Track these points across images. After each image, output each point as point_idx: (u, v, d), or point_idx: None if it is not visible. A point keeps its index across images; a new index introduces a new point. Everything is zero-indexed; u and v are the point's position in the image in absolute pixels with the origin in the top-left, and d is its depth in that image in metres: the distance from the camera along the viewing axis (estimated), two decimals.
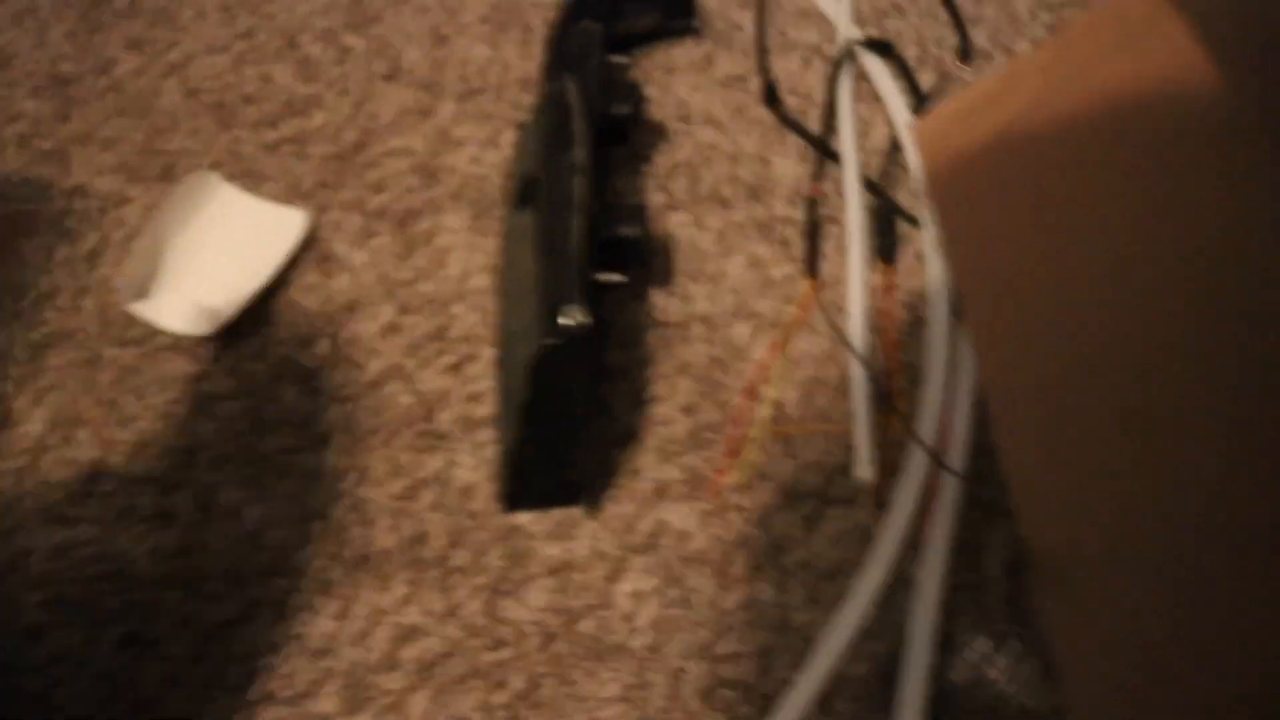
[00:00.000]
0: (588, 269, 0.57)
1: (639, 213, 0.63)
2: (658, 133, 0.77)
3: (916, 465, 0.60)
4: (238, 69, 0.83)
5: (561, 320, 0.54)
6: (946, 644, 0.57)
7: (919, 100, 0.77)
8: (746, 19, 0.84)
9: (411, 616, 0.60)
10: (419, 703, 0.57)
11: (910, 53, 0.82)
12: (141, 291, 0.70)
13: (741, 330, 0.68)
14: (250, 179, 0.77)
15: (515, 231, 0.69)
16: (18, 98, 0.84)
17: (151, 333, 0.70)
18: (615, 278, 0.60)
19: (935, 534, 0.58)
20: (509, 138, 0.76)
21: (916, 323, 0.67)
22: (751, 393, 0.65)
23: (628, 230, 0.62)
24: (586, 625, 0.59)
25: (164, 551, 0.62)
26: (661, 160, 0.75)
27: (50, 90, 0.84)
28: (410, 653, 0.59)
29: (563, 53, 0.69)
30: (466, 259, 0.71)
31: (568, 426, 0.58)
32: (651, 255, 0.69)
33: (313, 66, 0.82)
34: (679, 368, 0.67)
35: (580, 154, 0.60)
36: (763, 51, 0.80)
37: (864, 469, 0.61)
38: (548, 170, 0.61)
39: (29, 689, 0.58)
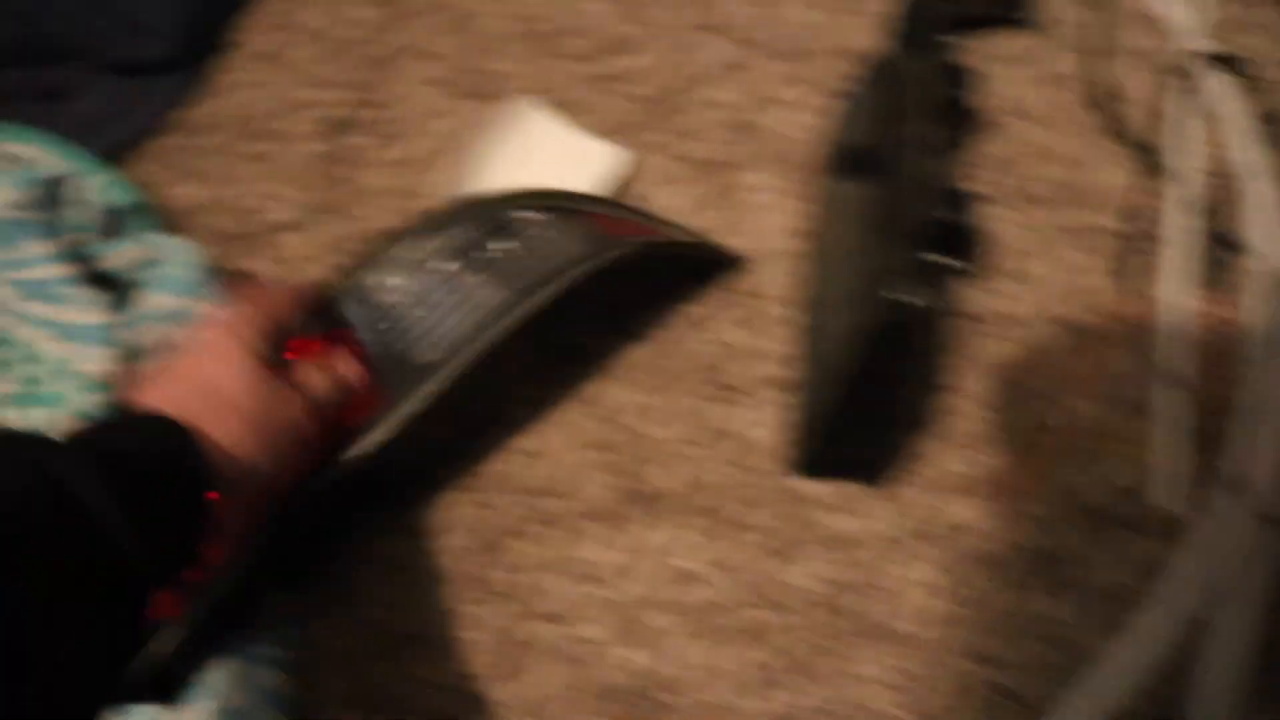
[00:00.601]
0: (925, 249, 0.57)
1: (970, 200, 0.62)
2: (974, 121, 0.75)
3: (1224, 505, 0.58)
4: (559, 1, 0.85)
5: (900, 296, 0.53)
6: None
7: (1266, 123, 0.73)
8: (1079, 17, 0.81)
9: (685, 560, 0.61)
10: (680, 645, 0.59)
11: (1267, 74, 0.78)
12: None
13: (1044, 333, 0.67)
14: (566, 109, 0.79)
15: (836, 201, 0.69)
16: (357, 5, 0.88)
17: None
18: (952, 263, 0.59)
19: (1247, 583, 0.55)
20: (828, 105, 0.76)
21: (1233, 353, 0.64)
22: (1050, 398, 0.64)
23: (961, 217, 0.61)
24: (859, 603, 0.59)
25: None
26: (976, 149, 0.74)
27: (386, 2, 0.88)
28: (678, 595, 0.60)
29: (904, 30, 0.68)
30: (773, 218, 0.71)
31: (881, 402, 0.58)
32: (974, 245, 0.68)
33: (634, 7, 0.83)
34: (979, 362, 0.66)
35: (927, 133, 0.60)
36: (1094, 53, 0.78)
37: (1164, 497, 0.59)
38: (888, 145, 0.61)
39: None
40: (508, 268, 0.60)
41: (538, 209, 0.63)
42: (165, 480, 0.44)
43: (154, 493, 0.43)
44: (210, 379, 0.50)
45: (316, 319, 0.60)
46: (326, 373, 0.56)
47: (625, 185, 0.74)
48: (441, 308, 0.60)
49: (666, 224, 0.68)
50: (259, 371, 0.52)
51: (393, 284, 0.61)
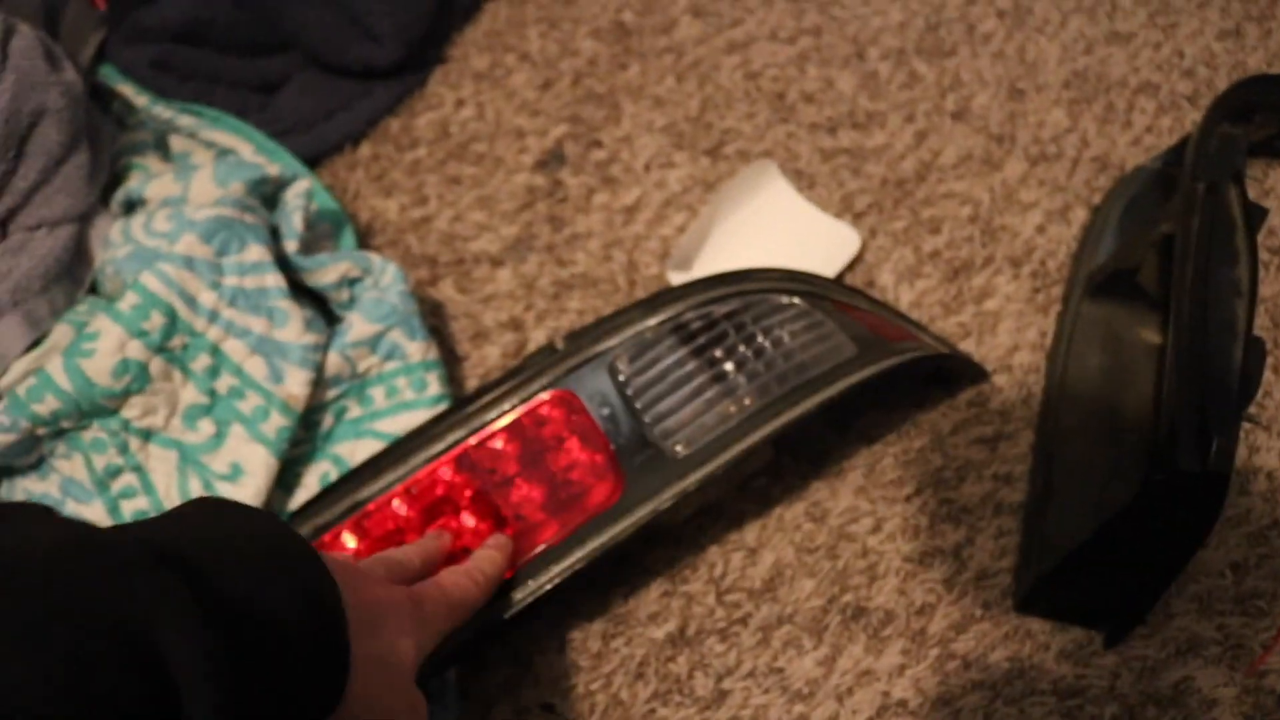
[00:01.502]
0: (1229, 401, 0.51)
1: (1263, 349, 0.56)
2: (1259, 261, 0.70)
3: None
4: (801, 65, 0.81)
5: (1213, 453, 0.48)
6: None
7: None
8: None
9: (901, 690, 0.56)
10: None
11: None
12: (685, 263, 0.68)
13: None
14: (800, 180, 0.74)
15: (1090, 322, 0.64)
16: (579, 35, 0.84)
17: None
18: (1254, 419, 0.54)
19: None
20: (1080, 215, 0.71)
21: None
22: None
23: (1254, 366, 0.55)
24: None
25: None
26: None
27: (611, 36, 0.84)
28: None
29: (1202, 155, 0.63)
30: (1017, 330, 0.66)
31: (1141, 554, 0.53)
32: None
33: (879, 83, 0.79)
34: (1234, 520, 0.60)
35: (1246, 275, 0.54)
36: None
37: None
38: (1195, 281, 0.55)
39: None
40: (773, 363, 0.56)
41: (800, 294, 0.58)
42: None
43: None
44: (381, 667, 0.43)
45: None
46: (471, 577, 0.50)
47: (862, 268, 0.70)
48: (698, 399, 0.55)
49: (916, 325, 0.63)
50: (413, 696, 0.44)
51: (641, 360, 0.57)
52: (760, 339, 0.57)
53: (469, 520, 0.55)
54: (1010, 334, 0.66)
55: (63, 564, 0.31)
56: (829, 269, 0.67)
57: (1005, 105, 0.77)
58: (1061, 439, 0.62)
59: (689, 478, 0.53)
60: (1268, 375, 0.64)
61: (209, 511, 0.40)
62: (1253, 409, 0.63)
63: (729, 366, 0.56)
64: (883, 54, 0.81)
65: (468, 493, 0.55)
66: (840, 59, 0.80)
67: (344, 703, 0.39)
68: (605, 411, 0.56)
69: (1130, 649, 0.56)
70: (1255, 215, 0.60)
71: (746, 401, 0.55)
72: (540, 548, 0.54)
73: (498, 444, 0.56)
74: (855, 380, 0.55)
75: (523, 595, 0.53)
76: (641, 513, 0.53)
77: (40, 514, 0.35)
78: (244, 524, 0.40)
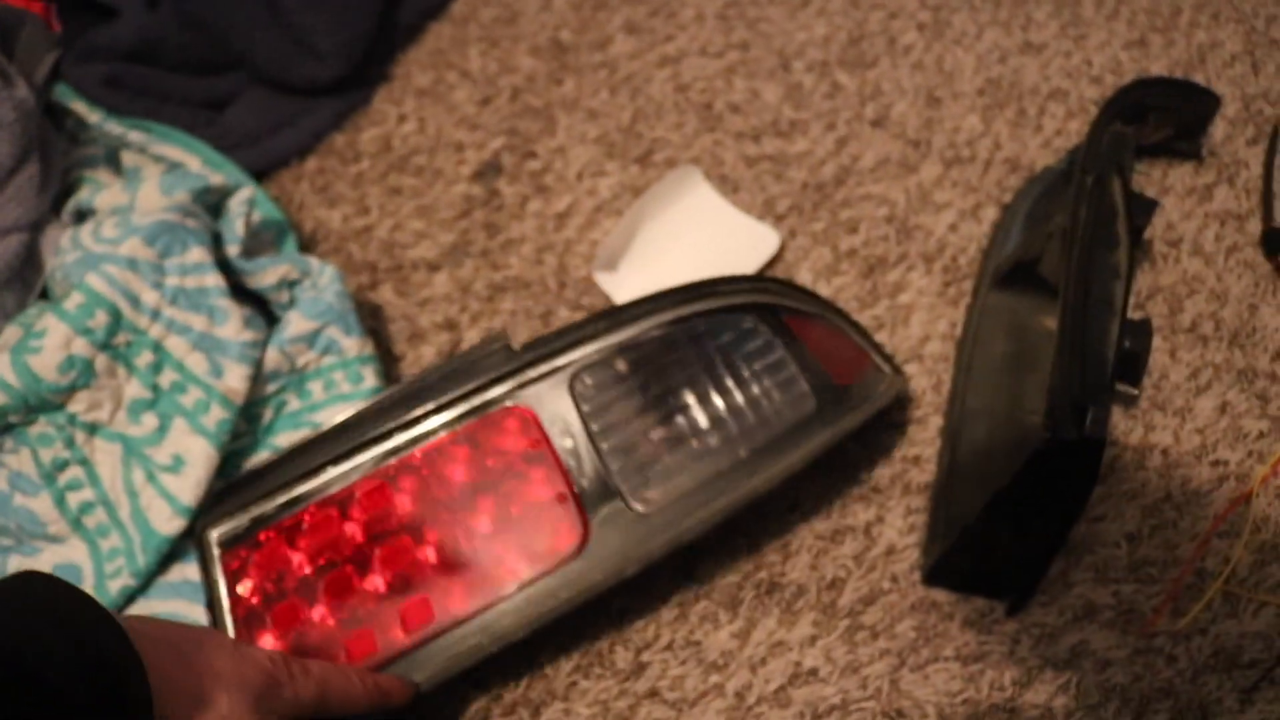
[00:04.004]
0: (1108, 374, 0.55)
1: (1149, 330, 0.60)
2: (1143, 251, 0.73)
3: None
4: (728, 77, 0.84)
5: (1089, 421, 0.51)
6: None
7: None
8: (1253, 156, 0.79)
9: (812, 659, 0.59)
10: None
11: None
12: (610, 264, 0.72)
13: (1201, 474, 0.64)
14: (725, 185, 0.78)
15: (995, 312, 0.68)
16: (518, 53, 0.88)
17: (605, 302, 0.71)
18: (1130, 390, 0.57)
19: None
20: (990, 214, 0.75)
21: None
22: (1204, 542, 0.61)
23: (1143, 344, 0.59)
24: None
25: None
26: (1144, 279, 0.72)
27: (548, 53, 0.88)
28: (803, 694, 0.58)
29: (1087, 151, 0.67)
30: (929, 322, 0.70)
31: (1031, 524, 0.56)
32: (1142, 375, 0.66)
33: (803, 94, 0.83)
34: (1129, 493, 0.63)
35: (1125, 259, 0.58)
36: (1269, 195, 0.76)
37: None
38: (1079, 265, 0.59)
39: None
40: (739, 413, 0.57)
41: (759, 315, 0.59)
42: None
43: None
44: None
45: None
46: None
47: (781, 267, 0.73)
48: (656, 435, 0.56)
49: (851, 323, 0.65)
50: None
51: (604, 387, 0.57)
52: (725, 378, 0.57)
53: (428, 552, 0.55)
54: (922, 325, 0.69)
55: None
56: (749, 267, 0.71)
57: (923, 112, 0.80)
58: (967, 422, 0.65)
59: (656, 540, 0.54)
60: (1163, 359, 0.68)
61: (19, 584, 0.39)
62: (1149, 390, 0.66)
63: (696, 413, 0.57)
64: (807, 66, 0.84)
65: (421, 513, 0.56)
66: (766, 71, 0.84)
67: None
68: (568, 444, 0.56)
69: (1030, 616, 0.59)
70: (1142, 207, 0.63)
71: (715, 460, 0.56)
72: (503, 591, 0.54)
73: (451, 458, 0.56)
74: (816, 445, 0.57)
75: (489, 644, 0.54)
76: (606, 573, 0.54)
77: None
78: (39, 590, 0.39)
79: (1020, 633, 0.59)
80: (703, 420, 0.57)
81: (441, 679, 0.54)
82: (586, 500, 0.55)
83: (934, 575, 0.61)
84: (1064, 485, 0.55)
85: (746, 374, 0.58)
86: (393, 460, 0.56)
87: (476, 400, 0.57)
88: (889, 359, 0.63)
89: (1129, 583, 0.60)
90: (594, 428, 0.56)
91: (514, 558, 0.55)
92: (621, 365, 0.57)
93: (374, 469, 0.56)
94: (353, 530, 0.56)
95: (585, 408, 0.56)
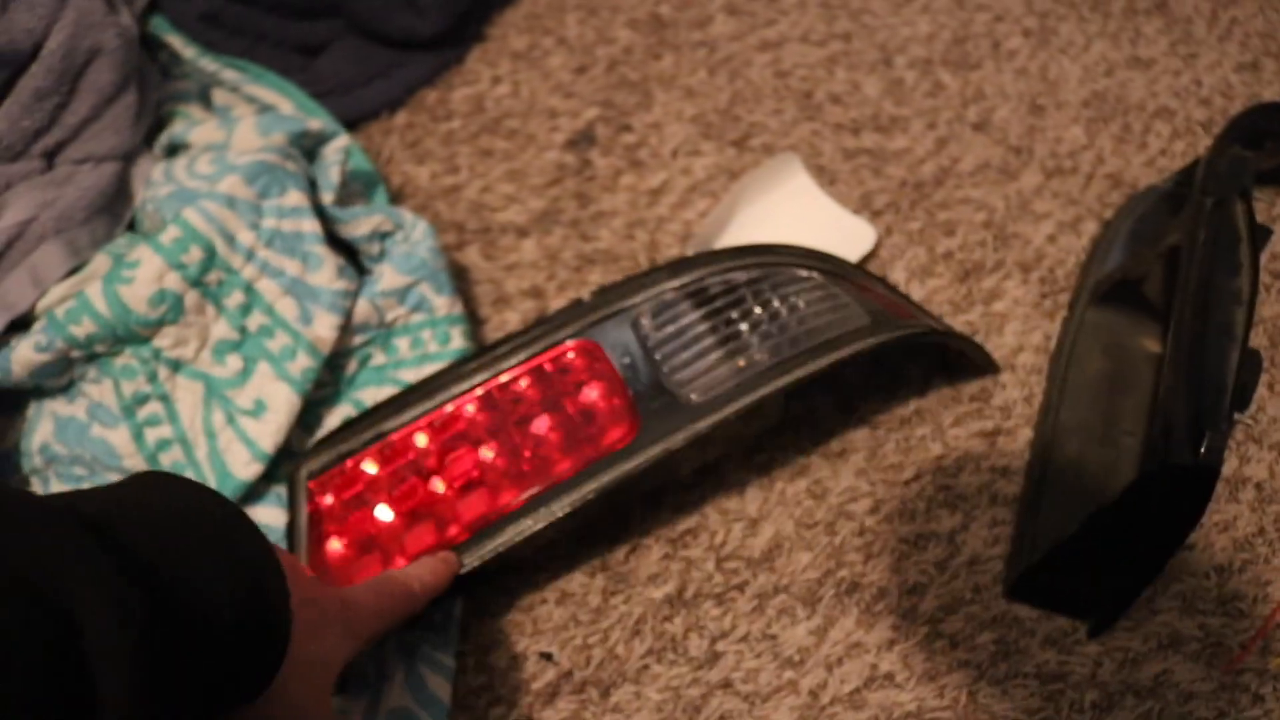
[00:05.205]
0: (1223, 403, 0.53)
1: (1259, 360, 0.59)
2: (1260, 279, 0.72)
3: None
4: (830, 67, 0.83)
5: (1204, 448, 0.50)
6: None
7: None
8: None
9: (889, 663, 0.58)
10: None
11: None
12: (706, 245, 0.71)
13: None
14: (821, 176, 0.76)
15: (1093, 328, 0.66)
16: (616, 24, 0.86)
17: None
18: (1243, 421, 0.56)
19: None
20: (1090, 228, 0.73)
21: None
22: None
23: (1249, 375, 0.57)
24: None
25: None
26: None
27: (647, 27, 0.86)
28: (878, 698, 0.57)
29: (1212, 172, 0.65)
30: (1023, 332, 0.68)
31: (1130, 547, 0.55)
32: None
33: (904, 90, 0.81)
34: (1220, 525, 0.62)
35: (1247, 285, 0.57)
36: None
37: None
38: (1197, 288, 0.57)
39: None
40: (786, 326, 0.58)
41: (818, 270, 0.61)
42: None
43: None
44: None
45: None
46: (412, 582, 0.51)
47: (875, 264, 0.72)
48: (713, 354, 0.57)
49: (930, 315, 0.65)
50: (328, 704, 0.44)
51: (661, 318, 0.59)
52: (776, 304, 0.59)
53: (487, 453, 0.57)
54: (1016, 335, 0.68)
55: None
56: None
57: (1025, 119, 0.79)
58: (1059, 437, 0.64)
59: (702, 422, 0.55)
60: (1262, 392, 0.66)
61: (152, 486, 0.38)
62: (1247, 420, 0.65)
63: (744, 327, 0.58)
64: (909, 62, 0.83)
65: (487, 428, 0.57)
66: (868, 64, 0.83)
67: (265, 698, 0.39)
68: (626, 360, 0.58)
69: (1113, 640, 0.58)
70: (1259, 234, 0.62)
71: (759, 358, 0.57)
72: (555, 480, 0.56)
73: (520, 385, 0.58)
74: (866, 345, 0.57)
75: (535, 523, 0.55)
76: (654, 451, 0.55)
77: None
78: (191, 501, 0.38)
79: (1103, 656, 0.57)
80: (751, 333, 0.58)
81: (532, 533, 0.55)
82: (640, 399, 0.57)
83: (1017, 590, 0.60)
84: (1171, 511, 0.53)
85: (800, 302, 0.59)
86: (468, 393, 0.58)
87: (546, 341, 0.59)
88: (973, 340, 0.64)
89: (1217, 615, 0.59)
90: (650, 345, 0.58)
91: (576, 448, 0.57)
92: (683, 305, 0.59)
93: (451, 401, 0.58)
94: (431, 445, 0.58)
95: (643, 332, 0.58)
